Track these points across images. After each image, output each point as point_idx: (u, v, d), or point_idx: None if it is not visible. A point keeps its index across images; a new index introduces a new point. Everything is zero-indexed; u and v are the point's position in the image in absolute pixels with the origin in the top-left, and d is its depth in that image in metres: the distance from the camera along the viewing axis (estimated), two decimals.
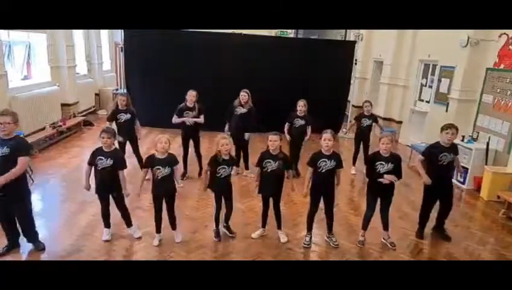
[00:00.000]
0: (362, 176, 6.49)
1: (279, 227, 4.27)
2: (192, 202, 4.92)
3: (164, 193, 3.88)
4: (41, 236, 3.82)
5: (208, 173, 4.03)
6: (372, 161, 4.08)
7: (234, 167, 5.82)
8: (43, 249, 3.74)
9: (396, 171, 4.02)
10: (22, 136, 3.51)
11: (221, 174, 3.95)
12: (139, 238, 4.05)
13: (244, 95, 5.88)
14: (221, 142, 3.89)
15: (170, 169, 3.79)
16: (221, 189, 4.02)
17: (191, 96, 5.62)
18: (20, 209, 3.60)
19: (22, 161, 3.42)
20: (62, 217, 4.45)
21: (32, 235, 3.75)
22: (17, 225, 3.67)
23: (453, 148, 4.28)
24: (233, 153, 4.68)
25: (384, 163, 3.96)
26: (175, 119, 5.65)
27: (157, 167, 3.75)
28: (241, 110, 5.88)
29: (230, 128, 5.97)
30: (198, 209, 4.82)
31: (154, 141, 3.82)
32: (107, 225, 4.04)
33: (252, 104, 5.93)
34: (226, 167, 3.94)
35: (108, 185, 3.83)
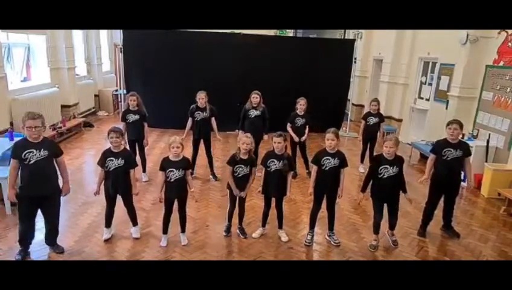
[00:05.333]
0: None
1: (280, 226, 4.28)
2: (193, 202, 4.93)
3: (176, 195, 3.89)
4: (42, 237, 3.82)
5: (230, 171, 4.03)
6: (376, 164, 4.00)
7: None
8: (62, 251, 3.76)
9: (401, 175, 3.97)
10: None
11: (238, 173, 3.96)
12: (137, 238, 4.06)
13: (255, 97, 5.87)
14: (242, 140, 3.92)
15: (183, 172, 3.81)
16: (237, 188, 4.01)
17: (201, 97, 5.63)
18: (54, 210, 3.67)
19: (63, 161, 3.63)
20: (63, 218, 4.43)
21: (55, 237, 3.79)
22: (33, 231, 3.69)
23: (461, 146, 4.23)
24: None
25: (388, 167, 3.89)
26: (189, 123, 5.74)
27: (171, 169, 3.77)
28: (255, 113, 5.87)
29: (245, 131, 5.95)
30: (199, 210, 4.83)
31: (167, 144, 3.84)
32: (109, 224, 4.06)
33: (263, 105, 5.94)
34: (243, 166, 3.93)
35: (120, 185, 3.86)
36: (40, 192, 3.45)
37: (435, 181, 4.34)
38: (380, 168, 3.92)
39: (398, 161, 3.95)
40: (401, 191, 4.05)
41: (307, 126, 6.03)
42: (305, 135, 6.05)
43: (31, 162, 3.34)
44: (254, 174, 4.07)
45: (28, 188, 3.42)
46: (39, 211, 3.65)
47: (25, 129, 3.34)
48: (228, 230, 4.23)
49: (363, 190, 4.12)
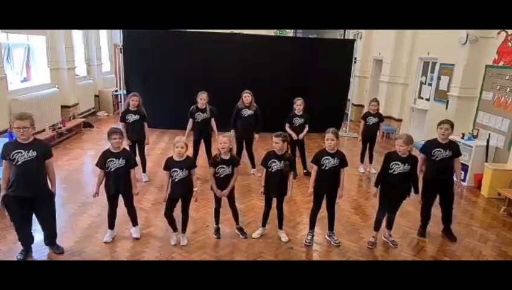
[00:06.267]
0: (366, 174, 6.56)
1: (280, 227, 4.27)
2: (192, 202, 4.93)
3: (180, 195, 3.90)
4: (42, 238, 3.82)
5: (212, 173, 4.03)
6: (387, 160, 4.00)
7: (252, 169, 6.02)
8: (62, 252, 3.75)
9: (412, 173, 3.97)
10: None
11: (220, 174, 3.96)
12: (137, 239, 4.06)
13: (247, 96, 5.88)
14: (219, 140, 3.93)
15: (187, 172, 3.82)
16: (221, 189, 4.02)
17: (202, 98, 5.63)
18: (47, 213, 3.63)
19: (51, 163, 3.56)
20: (63, 219, 4.45)
21: (54, 238, 3.77)
22: (30, 230, 3.67)
23: (451, 147, 4.20)
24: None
25: (400, 163, 3.89)
26: (189, 124, 5.73)
27: (174, 169, 3.77)
28: (247, 112, 5.90)
29: (237, 131, 5.98)
30: (199, 210, 4.82)
31: (172, 144, 3.85)
32: (112, 225, 4.05)
33: (256, 105, 5.94)
34: (224, 166, 3.94)
35: (121, 185, 3.86)
36: (27, 193, 3.40)
37: (426, 182, 4.31)
38: (391, 164, 3.93)
39: (411, 160, 3.94)
40: (410, 192, 4.04)
41: (306, 125, 6.04)
42: (303, 133, 6.05)
43: (19, 162, 3.30)
44: (236, 174, 4.07)
45: (16, 189, 3.36)
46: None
47: (13, 130, 3.31)
48: (217, 232, 4.21)
49: (376, 184, 4.12)
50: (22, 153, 3.31)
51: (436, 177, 4.24)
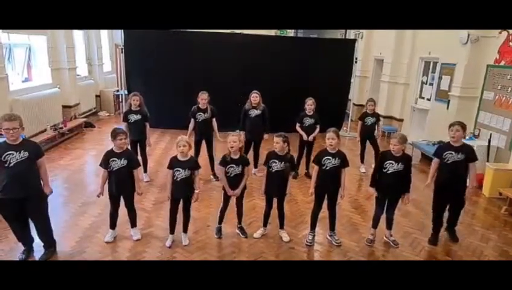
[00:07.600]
0: (368, 174, 6.54)
1: (281, 226, 4.27)
2: (195, 202, 4.93)
3: (183, 195, 3.90)
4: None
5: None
6: (381, 159, 4.01)
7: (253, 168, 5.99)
8: (44, 259, 3.69)
9: (406, 172, 3.97)
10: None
11: (230, 173, 3.96)
12: (138, 240, 4.06)
13: (255, 97, 5.88)
14: (228, 140, 3.92)
15: (190, 172, 3.82)
16: (231, 188, 4.02)
17: (203, 98, 5.64)
18: (39, 212, 3.59)
19: (44, 163, 3.54)
20: (64, 219, 4.47)
21: (49, 239, 3.73)
22: (28, 230, 3.66)
23: (464, 150, 4.02)
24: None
25: (393, 162, 3.90)
26: (191, 124, 5.74)
27: (177, 168, 3.78)
28: (255, 112, 5.89)
29: (245, 132, 5.97)
30: (200, 210, 4.82)
31: (175, 143, 3.85)
32: (113, 225, 4.05)
33: (263, 105, 5.95)
34: (234, 166, 3.93)
35: (123, 186, 3.86)
36: (20, 194, 3.35)
37: (437, 186, 4.23)
38: (385, 163, 3.93)
39: (404, 159, 3.94)
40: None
41: (317, 126, 6.02)
42: (314, 134, 6.01)
43: (11, 164, 3.26)
44: (247, 173, 4.07)
45: (9, 192, 3.31)
46: None
47: (2, 131, 3.25)
48: (219, 232, 4.22)
49: (372, 184, 4.13)
50: (13, 154, 3.26)
51: (447, 181, 4.11)
